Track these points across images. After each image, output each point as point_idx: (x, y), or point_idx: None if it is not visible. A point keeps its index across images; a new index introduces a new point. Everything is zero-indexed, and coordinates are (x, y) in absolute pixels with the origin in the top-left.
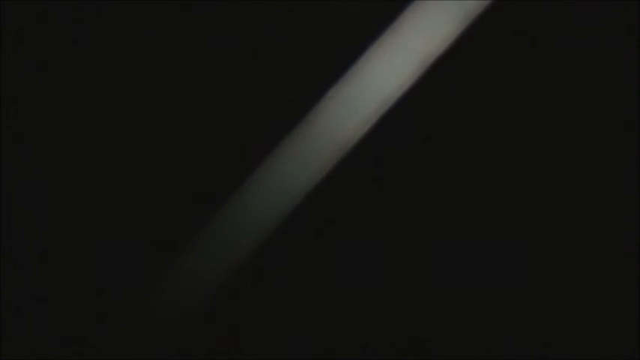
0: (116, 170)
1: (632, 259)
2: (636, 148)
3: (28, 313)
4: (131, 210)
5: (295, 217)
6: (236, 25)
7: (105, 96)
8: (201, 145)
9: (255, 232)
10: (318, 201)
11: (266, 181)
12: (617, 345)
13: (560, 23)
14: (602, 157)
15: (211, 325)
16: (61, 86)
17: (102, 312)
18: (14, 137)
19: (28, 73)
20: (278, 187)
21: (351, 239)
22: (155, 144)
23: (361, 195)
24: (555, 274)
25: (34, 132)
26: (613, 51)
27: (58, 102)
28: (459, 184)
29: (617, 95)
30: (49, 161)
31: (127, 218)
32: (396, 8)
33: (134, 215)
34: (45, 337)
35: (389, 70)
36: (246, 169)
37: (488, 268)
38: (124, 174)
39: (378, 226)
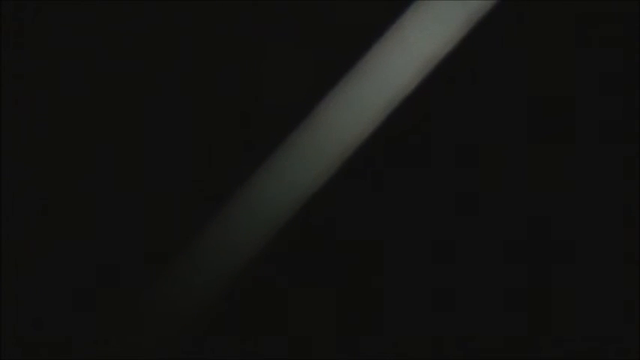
0: (117, 169)
1: (632, 259)
2: (636, 149)
3: (28, 314)
4: (132, 209)
5: (298, 217)
6: (238, 25)
7: (107, 95)
8: (204, 145)
9: (258, 233)
10: (321, 201)
11: (268, 182)
12: (617, 343)
13: (563, 23)
14: (602, 157)
15: (212, 325)
16: (62, 86)
17: (102, 312)
18: (14, 137)
19: (27, 73)
20: (280, 187)
21: (353, 240)
22: (157, 143)
23: (363, 196)
24: (555, 274)
25: (34, 132)
26: (614, 51)
27: (60, 102)
28: (462, 184)
29: (618, 96)
30: (50, 161)
31: (128, 218)
32: (399, 8)
33: (135, 215)
34: (45, 337)
35: (392, 70)
36: (249, 169)
37: (489, 268)
38: (126, 173)
39: (380, 227)
